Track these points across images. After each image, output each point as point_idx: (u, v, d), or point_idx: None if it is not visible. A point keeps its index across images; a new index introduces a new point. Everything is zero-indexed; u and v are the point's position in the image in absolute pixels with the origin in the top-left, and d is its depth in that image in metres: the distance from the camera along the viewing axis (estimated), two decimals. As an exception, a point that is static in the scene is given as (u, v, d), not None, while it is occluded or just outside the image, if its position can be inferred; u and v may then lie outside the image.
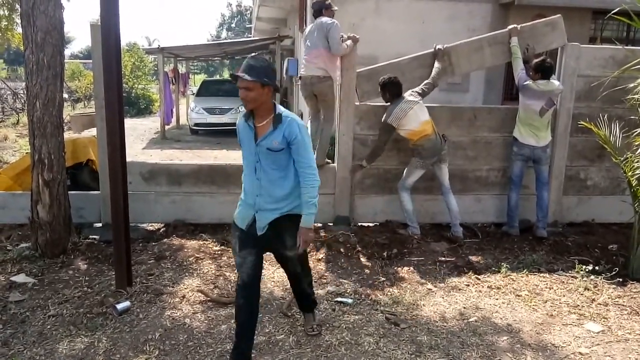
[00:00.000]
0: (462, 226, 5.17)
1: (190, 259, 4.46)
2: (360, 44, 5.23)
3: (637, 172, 4.28)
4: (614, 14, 4.39)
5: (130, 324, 3.42)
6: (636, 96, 4.69)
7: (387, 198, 5.46)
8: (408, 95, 4.96)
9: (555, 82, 5.05)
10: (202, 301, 3.74)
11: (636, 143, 4.48)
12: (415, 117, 4.86)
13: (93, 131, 5.42)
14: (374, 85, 5.17)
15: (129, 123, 16.83)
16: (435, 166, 5.07)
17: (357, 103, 5.25)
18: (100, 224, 5.17)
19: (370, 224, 5.49)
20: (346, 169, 5.32)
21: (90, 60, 5.25)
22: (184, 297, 3.80)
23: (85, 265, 4.38)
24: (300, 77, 5.38)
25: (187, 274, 4.19)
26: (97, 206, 5.10)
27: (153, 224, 5.42)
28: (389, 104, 4.99)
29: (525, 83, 5.02)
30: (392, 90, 4.93)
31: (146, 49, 22.73)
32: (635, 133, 4.52)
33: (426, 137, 4.90)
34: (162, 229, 5.29)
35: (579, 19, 9.17)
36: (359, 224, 5.48)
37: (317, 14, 5.24)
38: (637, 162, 4.30)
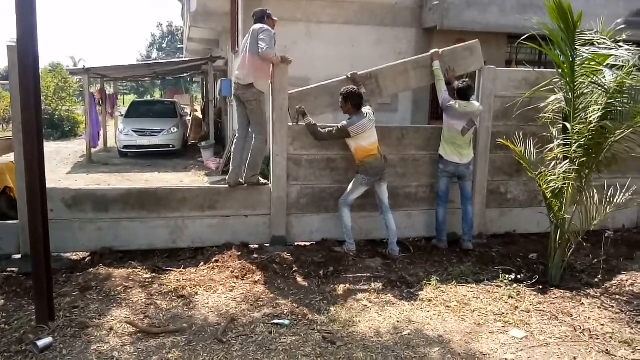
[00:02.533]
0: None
1: (118, 289, 4.26)
2: (293, 66, 5.32)
3: (551, 185, 4.60)
4: (525, 39, 4.76)
5: (52, 361, 3.21)
6: (547, 115, 5.09)
7: (323, 217, 5.53)
8: (369, 111, 5.09)
9: (475, 104, 5.37)
10: (132, 333, 3.58)
11: (549, 158, 4.83)
12: (370, 136, 5.05)
13: (12, 156, 5.11)
14: (306, 105, 5.25)
15: (52, 147, 16.05)
16: (377, 184, 5.21)
17: (290, 124, 5.30)
18: (19, 255, 4.84)
19: (307, 243, 5.52)
20: (281, 189, 5.34)
21: (9, 82, 4.97)
22: (111, 329, 3.62)
23: (3, 301, 4.07)
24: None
25: (114, 305, 4.00)
26: (16, 236, 4.77)
27: (78, 253, 5.15)
28: (347, 115, 5.07)
29: (449, 104, 5.30)
30: (354, 101, 5.01)
31: (70, 69, 21.80)
32: (548, 149, 4.88)
33: (373, 156, 5.07)
34: (88, 258, 5.03)
35: (495, 43, 9.84)
36: (296, 243, 5.50)
37: (257, 22, 5.23)
38: (551, 176, 4.62)
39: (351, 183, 5.22)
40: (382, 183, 5.24)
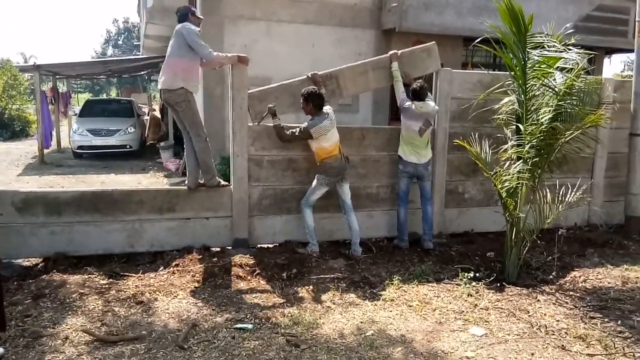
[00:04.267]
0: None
1: (73, 296, 4.11)
2: (254, 65, 5.27)
3: (506, 185, 4.74)
4: (479, 42, 4.88)
5: (2, 374, 3.06)
6: (501, 116, 5.25)
7: (286, 218, 5.51)
8: (330, 111, 5.09)
9: (431, 104, 5.46)
10: (88, 341, 3.46)
11: (503, 158, 4.98)
12: (331, 137, 5.05)
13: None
14: (267, 105, 5.22)
15: (2, 147, 15.37)
16: (338, 185, 5.23)
17: (250, 124, 5.25)
18: (-35, 263, 4.60)
19: (270, 245, 5.48)
20: (243, 190, 5.28)
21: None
22: (66, 338, 3.48)
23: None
24: None
25: (70, 313, 3.86)
26: (-39, 243, 4.54)
27: (30, 259, 4.94)
28: (308, 116, 5.05)
29: (406, 105, 5.38)
30: (315, 102, 5.00)
31: (20, 66, 20.84)
32: (502, 149, 5.03)
33: (334, 156, 5.08)
34: (41, 264, 4.84)
35: (452, 45, 10.06)
36: (258, 245, 5.45)
37: (180, 20, 5.00)
38: (505, 175, 4.76)
39: (312, 184, 5.22)
40: (343, 183, 5.26)
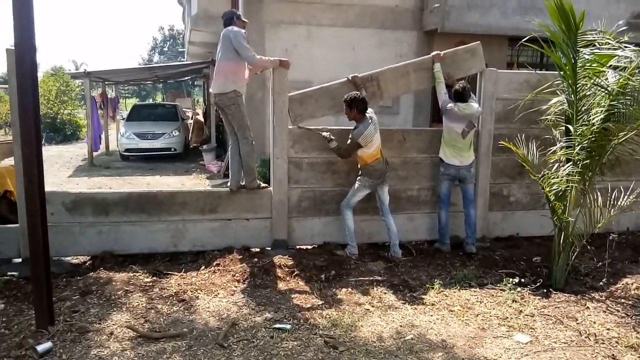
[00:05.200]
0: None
1: (118, 293, 4.24)
2: (294, 69, 5.30)
3: (554, 188, 4.57)
4: (526, 41, 4.73)
5: (51, 366, 3.18)
6: (549, 117, 5.06)
7: (324, 220, 5.50)
8: (373, 115, 5.08)
9: (474, 105, 5.33)
10: (132, 337, 3.55)
11: (551, 160, 4.80)
12: (376, 141, 5.05)
13: (13, 160, 5.09)
14: (307, 108, 5.25)
15: (54, 150, 16.06)
16: (379, 187, 5.19)
17: (290, 126, 5.28)
18: (20, 260, 4.81)
19: (309, 247, 5.48)
20: (282, 192, 5.31)
21: (8, 86, 4.96)
22: (111, 333, 3.59)
23: (2, 305, 4.04)
24: None
25: (115, 309, 3.97)
26: (16, 240, 4.75)
27: (78, 257, 5.13)
28: (353, 122, 5.04)
29: (448, 106, 5.27)
30: (359, 107, 4.98)
31: (72, 73, 21.80)
32: (551, 151, 4.85)
33: (378, 160, 5.06)
34: (88, 262, 5.01)
35: (497, 45, 9.82)
36: (297, 246, 5.46)
37: (226, 24, 5.10)
38: (554, 178, 4.58)
39: (353, 186, 5.19)
40: (384, 186, 5.22)
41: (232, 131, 5.29)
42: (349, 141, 5.03)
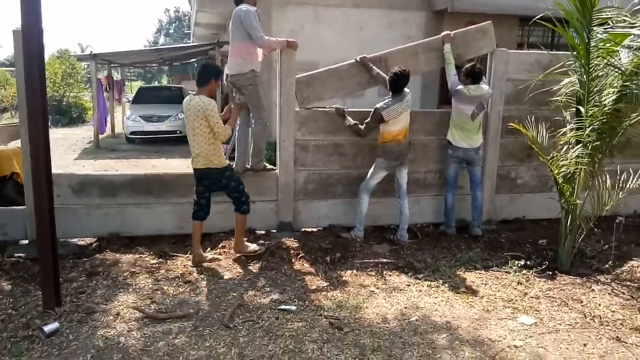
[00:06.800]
0: (402, 227, 5.27)
1: (125, 274, 4.26)
2: (301, 51, 5.21)
3: (563, 170, 4.51)
4: (538, 19, 4.63)
5: (59, 346, 3.21)
6: (560, 98, 4.97)
7: (330, 202, 5.48)
8: (409, 96, 4.99)
9: (484, 87, 5.25)
10: (138, 318, 3.58)
11: (561, 142, 4.74)
12: (402, 120, 4.95)
13: (20, 142, 5.11)
14: (314, 90, 5.19)
15: (60, 133, 16.10)
16: (397, 169, 5.14)
17: (297, 109, 5.23)
18: (26, 241, 4.85)
19: (314, 229, 5.48)
20: (289, 175, 5.29)
21: (15, 69, 4.95)
22: (118, 314, 3.62)
23: (10, 286, 4.08)
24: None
25: (121, 290, 4.00)
26: (23, 222, 4.78)
27: (84, 239, 5.15)
28: (389, 94, 4.95)
29: (458, 88, 5.19)
30: (403, 82, 4.89)
31: (78, 55, 21.77)
32: (560, 133, 4.78)
33: (397, 141, 4.97)
34: (95, 244, 5.03)
35: (507, 25, 9.65)
36: (303, 229, 5.46)
37: (237, 2, 4.97)
38: (563, 160, 4.53)
39: (371, 168, 5.14)
40: (402, 168, 5.16)
41: (244, 112, 5.25)
42: (371, 112, 4.93)
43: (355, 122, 5.01)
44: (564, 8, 4.40)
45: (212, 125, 4.31)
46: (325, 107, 5.32)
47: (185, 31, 48.51)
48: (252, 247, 4.76)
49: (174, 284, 4.13)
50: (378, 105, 4.88)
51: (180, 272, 4.34)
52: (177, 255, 4.72)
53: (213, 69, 4.53)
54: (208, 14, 12.83)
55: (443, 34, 5.47)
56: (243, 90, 5.03)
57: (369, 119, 4.94)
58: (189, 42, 24.73)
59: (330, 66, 5.38)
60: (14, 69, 5.70)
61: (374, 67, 5.19)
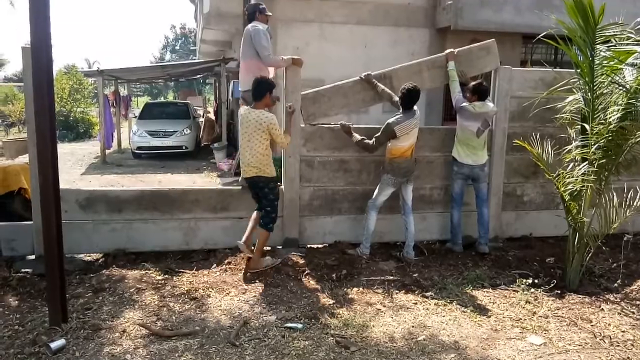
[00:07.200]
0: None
1: (131, 290, 4.26)
2: (306, 67, 5.27)
3: (569, 187, 4.50)
4: (541, 37, 4.66)
5: (65, 363, 3.20)
6: (565, 115, 4.99)
7: (336, 219, 5.48)
8: (418, 112, 5.01)
9: (489, 104, 5.27)
10: (144, 335, 3.56)
11: (566, 159, 4.73)
12: (412, 137, 4.98)
13: (27, 157, 5.16)
14: (319, 107, 5.22)
15: (67, 148, 16.19)
16: (403, 186, 5.15)
17: (302, 125, 5.26)
18: (33, 256, 4.86)
19: (320, 246, 5.47)
20: (294, 191, 5.30)
21: (23, 84, 5.01)
22: (124, 331, 3.60)
23: (17, 302, 4.08)
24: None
25: (127, 307, 3.99)
26: (30, 237, 4.80)
27: (91, 255, 5.16)
28: (399, 110, 4.96)
29: (462, 105, 5.21)
30: (414, 98, 4.92)
31: (85, 71, 22.00)
32: (566, 150, 4.78)
33: (405, 157, 4.99)
34: (101, 260, 5.04)
35: (510, 43, 9.73)
36: (308, 245, 5.45)
37: (249, 18, 5.11)
38: (569, 178, 4.52)
39: (378, 185, 5.14)
40: (408, 185, 5.17)
41: None
42: (382, 128, 4.93)
43: (362, 137, 5.03)
44: (567, 26, 4.45)
45: (275, 138, 4.59)
46: (331, 124, 5.36)
47: (191, 48, 48.97)
48: (267, 261, 4.79)
49: (180, 301, 4.12)
50: (390, 121, 4.89)
51: (186, 288, 4.33)
52: (182, 272, 4.71)
53: (267, 84, 4.65)
54: (214, 31, 13.00)
55: (447, 51, 5.51)
56: None
57: (379, 133, 4.95)
58: (195, 59, 25.01)
59: (336, 83, 5.43)
60: (22, 84, 5.79)
61: (378, 84, 5.23)
